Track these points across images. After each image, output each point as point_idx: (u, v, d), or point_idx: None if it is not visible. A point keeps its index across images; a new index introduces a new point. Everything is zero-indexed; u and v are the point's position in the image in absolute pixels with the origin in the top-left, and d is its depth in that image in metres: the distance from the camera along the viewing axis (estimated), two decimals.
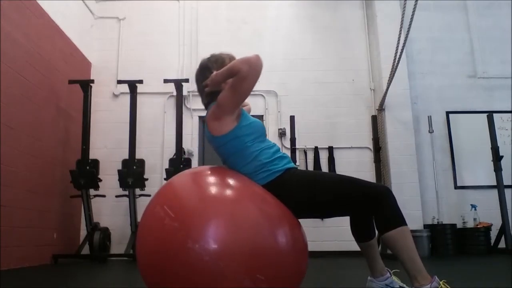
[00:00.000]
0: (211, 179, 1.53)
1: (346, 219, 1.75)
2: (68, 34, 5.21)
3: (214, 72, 1.67)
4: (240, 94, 1.56)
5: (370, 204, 1.54)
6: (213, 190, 1.49)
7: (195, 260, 1.27)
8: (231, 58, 1.75)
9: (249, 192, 1.50)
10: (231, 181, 1.52)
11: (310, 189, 1.58)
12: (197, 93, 1.88)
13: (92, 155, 5.11)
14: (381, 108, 5.70)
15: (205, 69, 1.76)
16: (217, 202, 1.42)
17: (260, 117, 5.74)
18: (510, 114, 5.84)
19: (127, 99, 5.29)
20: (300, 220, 1.61)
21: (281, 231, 1.43)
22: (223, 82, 1.63)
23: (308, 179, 1.62)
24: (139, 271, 1.47)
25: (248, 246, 1.31)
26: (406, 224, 1.53)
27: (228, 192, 1.49)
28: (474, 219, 5.25)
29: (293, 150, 5.49)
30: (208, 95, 1.74)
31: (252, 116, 1.73)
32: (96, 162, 5.01)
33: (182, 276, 1.29)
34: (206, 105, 1.78)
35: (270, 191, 1.56)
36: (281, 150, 6.04)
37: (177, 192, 1.52)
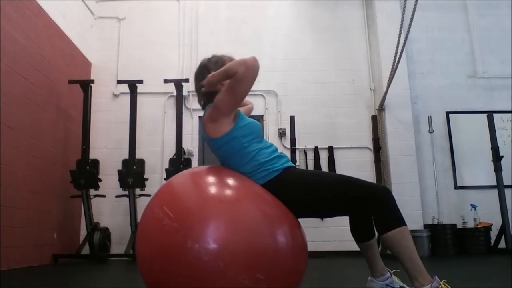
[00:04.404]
0: (210, 179, 1.53)
1: (346, 219, 1.75)
2: (68, 34, 5.21)
3: (211, 73, 1.65)
4: (236, 96, 1.55)
5: (369, 205, 1.54)
6: (213, 190, 1.49)
7: (195, 260, 1.27)
8: (231, 60, 1.73)
9: (248, 192, 1.51)
10: (230, 181, 1.52)
11: (308, 189, 1.58)
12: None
13: (92, 155, 5.12)
14: (381, 108, 5.70)
15: (204, 69, 1.75)
16: (216, 202, 1.42)
17: (260, 117, 5.74)
18: (510, 114, 5.84)
19: (127, 99, 5.29)
20: (300, 220, 1.61)
21: (280, 231, 1.43)
22: (219, 83, 1.62)
23: (307, 178, 1.61)
24: (139, 271, 1.48)
25: (247, 245, 1.31)
26: (405, 225, 1.53)
27: (228, 192, 1.49)
28: (474, 219, 5.25)
29: (293, 150, 5.49)
30: (205, 96, 1.74)
31: (252, 116, 1.73)
32: (96, 162, 5.02)
33: (182, 276, 1.29)
34: (203, 106, 1.78)
35: (269, 190, 1.56)
36: (281, 150, 5.99)
37: (176, 192, 1.52)
